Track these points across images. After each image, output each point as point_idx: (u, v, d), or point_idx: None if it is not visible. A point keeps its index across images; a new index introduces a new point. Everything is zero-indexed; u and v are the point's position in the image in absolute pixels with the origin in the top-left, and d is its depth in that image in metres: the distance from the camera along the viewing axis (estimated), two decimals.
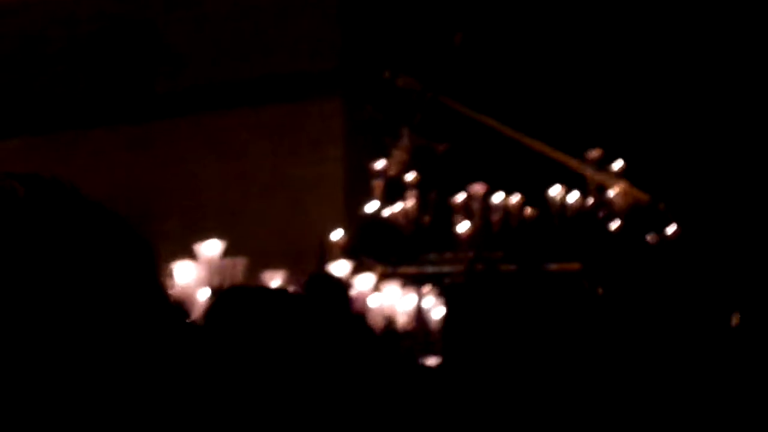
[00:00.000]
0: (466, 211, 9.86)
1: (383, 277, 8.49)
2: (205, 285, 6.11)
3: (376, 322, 7.00)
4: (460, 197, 9.87)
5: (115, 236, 0.91)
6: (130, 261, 0.91)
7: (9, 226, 0.88)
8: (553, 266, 8.58)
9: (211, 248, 6.29)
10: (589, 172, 10.02)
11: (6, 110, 11.20)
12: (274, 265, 7.59)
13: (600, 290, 6.23)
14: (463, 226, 9.61)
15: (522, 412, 2.18)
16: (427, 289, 8.05)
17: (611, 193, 9.95)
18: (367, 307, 7.15)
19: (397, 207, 9.97)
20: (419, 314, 7.80)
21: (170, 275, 5.98)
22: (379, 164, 10.15)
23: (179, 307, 0.96)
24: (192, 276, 6.01)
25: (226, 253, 6.54)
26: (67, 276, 0.88)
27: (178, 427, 0.92)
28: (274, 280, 7.04)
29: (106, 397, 0.87)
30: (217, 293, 2.14)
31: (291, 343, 1.84)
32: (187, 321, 0.98)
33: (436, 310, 7.78)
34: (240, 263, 6.40)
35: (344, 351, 1.90)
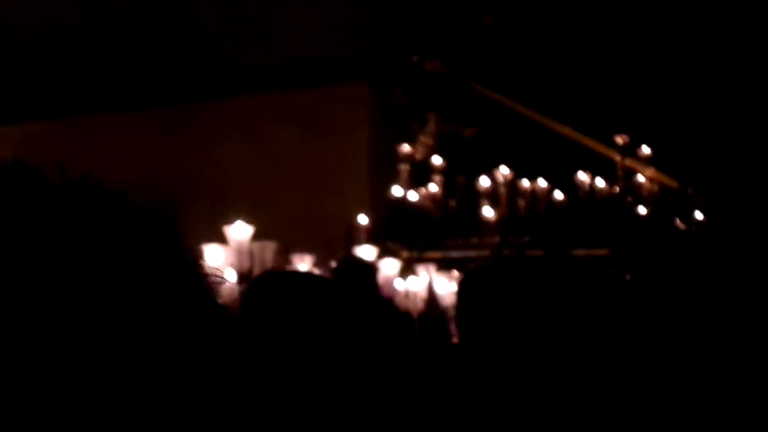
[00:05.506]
0: (492, 196, 9.83)
1: (409, 262, 8.48)
2: (234, 268, 6.11)
3: (404, 306, 7.01)
4: (487, 182, 9.84)
5: (134, 223, 0.91)
6: (149, 244, 0.92)
7: (40, 212, 0.88)
8: (581, 252, 8.54)
9: (240, 232, 6.27)
10: (617, 157, 9.97)
11: (36, 94, 11.26)
12: (300, 248, 7.61)
13: (628, 276, 6.19)
14: (489, 211, 9.58)
15: (544, 399, 2.18)
16: (454, 274, 8.04)
17: (640, 178, 9.90)
18: (395, 291, 7.16)
19: (424, 192, 9.95)
20: (440, 299, 7.79)
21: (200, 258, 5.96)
22: (406, 149, 10.14)
23: (210, 290, 0.96)
24: (221, 259, 6.01)
25: (254, 236, 6.54)
26: (94, 260, 0.88)
27: (212, 409, 0.92)
28: (302, 264, 7.06)
29: (136, 379, 0.87)
30: (249, 278, 2.14)
31: (324, 328, 1.84)
32: (218, 306, 0.98)
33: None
34: (270, 247, 6.40)
35: (375, 335, 1.90)
